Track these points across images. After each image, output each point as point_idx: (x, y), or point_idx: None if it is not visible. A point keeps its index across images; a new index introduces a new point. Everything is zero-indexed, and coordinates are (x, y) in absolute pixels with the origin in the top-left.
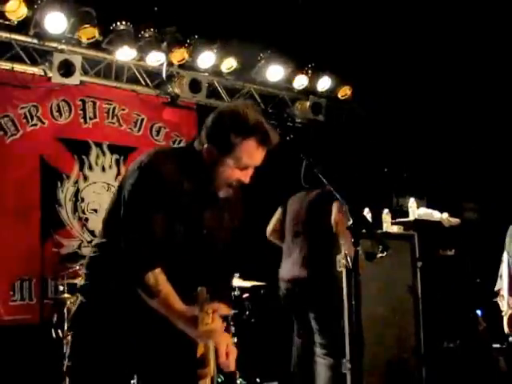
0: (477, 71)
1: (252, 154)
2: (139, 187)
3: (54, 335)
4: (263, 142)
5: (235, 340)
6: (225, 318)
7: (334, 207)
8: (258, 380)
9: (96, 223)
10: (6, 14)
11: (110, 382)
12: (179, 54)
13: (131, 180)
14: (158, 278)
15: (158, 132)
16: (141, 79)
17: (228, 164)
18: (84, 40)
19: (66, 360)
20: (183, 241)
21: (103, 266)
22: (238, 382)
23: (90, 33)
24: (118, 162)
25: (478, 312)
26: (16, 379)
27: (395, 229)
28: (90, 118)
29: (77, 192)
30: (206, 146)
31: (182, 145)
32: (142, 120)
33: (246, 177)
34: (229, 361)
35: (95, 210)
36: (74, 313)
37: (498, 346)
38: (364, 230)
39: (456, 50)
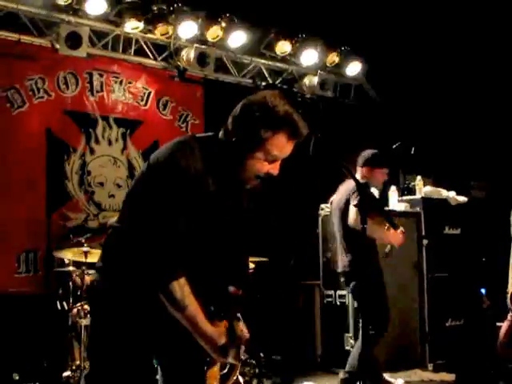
0: (487, 51)
1: (282, 147)
2: (163, 186)
3: (59, 307)
4: (293, 135)
5: (239, 315)
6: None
7: None
8: (261, 354)
9: (102, 196)
10: None
11: (130, 363)
12: (187, 28)
13: (155, 175)
14: (183, 289)
15: (165, 106)
16: (148, 52)
17: (258, 157)
18: (91, 12)
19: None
20: (205, 238)
21: (119, 254)
22: (242, 356)
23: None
24: (124, 136)
25: (483, 290)
26: (21, 350)
27: (402, 206)
28: (97, 91)
29: (83, 165)
30: (234, 139)
31: (207, 133)
32: (149, 93)
33: (275, 169)
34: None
35: (101, 184)
36: (91, 294)
37: (501, 324)
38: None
39: (468, 29)
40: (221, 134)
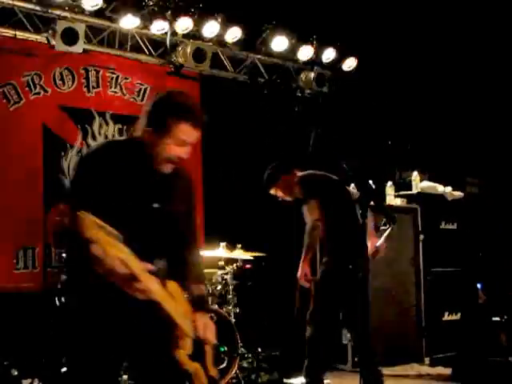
0: (480, 46)
1: (187, 133)
2: (82, 164)
3: (57, 303)
4: (195, 123)
5: (237, 310)
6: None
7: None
8: (259, 349)
9: None
10: None
11: (105, 371)
12: (183, 23)
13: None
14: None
15: None
16: (144, 48)
17: (167, 143)
18: (87, 7)
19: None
20: (133, 214)
21: (78, 259)
22: (240, 351)
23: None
24: (121, 132)
25: (479, 285)
26: (20, 345)
27: (398, 202)
28: (93, 87)
29: None
30: (146, 129)
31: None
32: (146, 89)
33: (184, 153)
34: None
35: None
36: (65, 312)
37: (497, 319)
38: (372, 202)
39: (460, 23)
40: (135, 133)
